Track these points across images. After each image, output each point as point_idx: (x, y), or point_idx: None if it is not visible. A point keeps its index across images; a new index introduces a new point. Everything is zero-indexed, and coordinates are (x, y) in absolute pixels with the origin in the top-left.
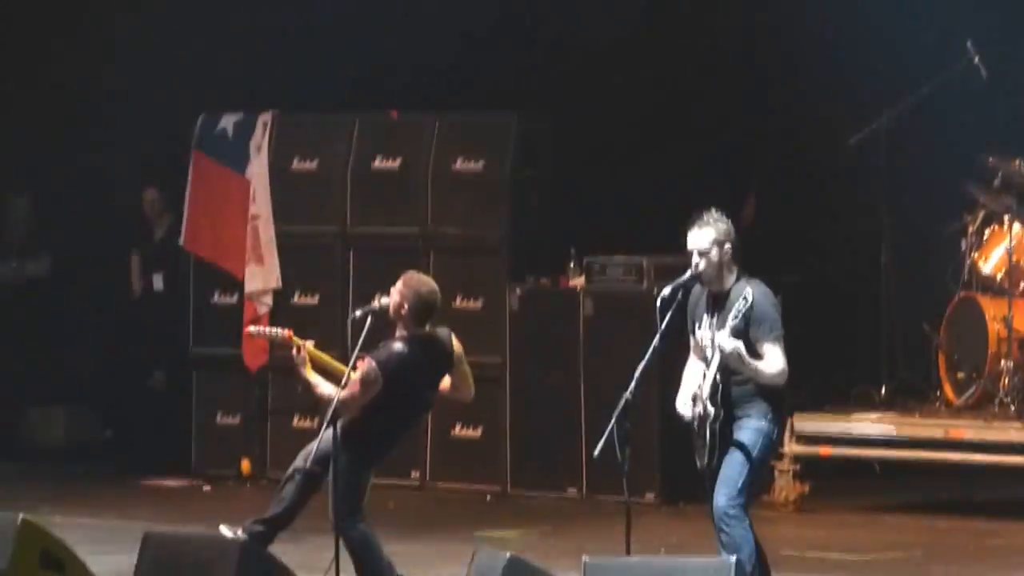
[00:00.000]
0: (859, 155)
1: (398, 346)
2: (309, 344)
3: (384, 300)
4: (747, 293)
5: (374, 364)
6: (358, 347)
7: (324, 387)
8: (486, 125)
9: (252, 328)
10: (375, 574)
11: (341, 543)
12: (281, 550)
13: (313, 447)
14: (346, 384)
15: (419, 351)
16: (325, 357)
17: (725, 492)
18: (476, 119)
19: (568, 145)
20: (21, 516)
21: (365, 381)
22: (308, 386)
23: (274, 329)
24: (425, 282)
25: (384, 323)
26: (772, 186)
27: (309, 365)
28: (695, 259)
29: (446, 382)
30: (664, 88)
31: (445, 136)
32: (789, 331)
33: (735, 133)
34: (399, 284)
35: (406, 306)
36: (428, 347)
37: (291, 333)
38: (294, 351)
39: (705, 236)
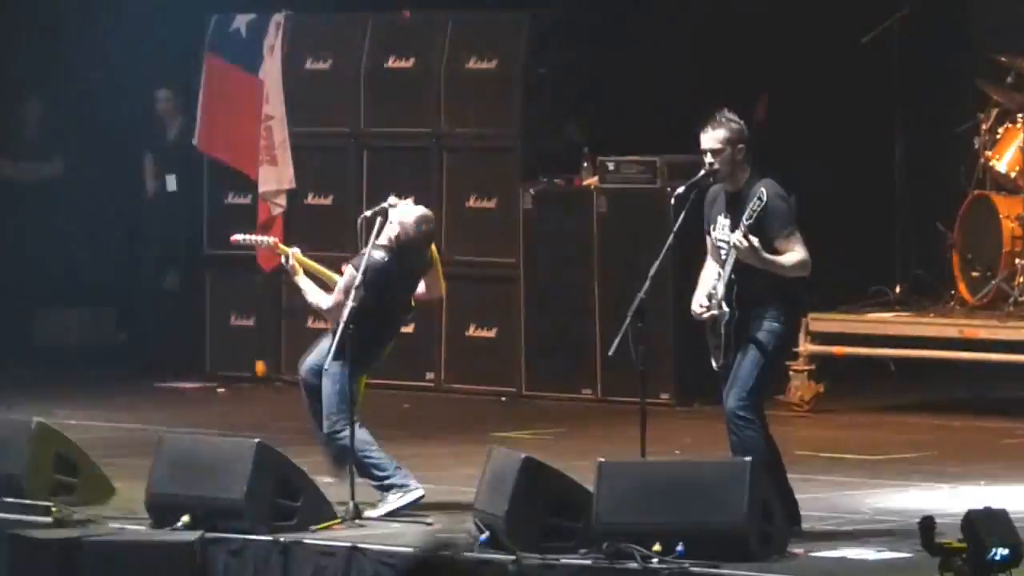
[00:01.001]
0: (872, 53)
1: (378, 255)
2: (296, 251)
3: (394, 199)
4: (761, 192)
5: (355, 272)
6: (369, 245)
7: (313, 294)
8: (499, 24)
9: (238, 236)
10: (376, 467)
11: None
12: (295, 452)
13: (309, 359)
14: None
15: (399, 259)
16: (312, 264)
17: (735, 393)
18: (489, 18)
19: (581, 43)
20: (36, 420)
21: (347, 289)
22: (300, 292)
23: (261, 236)
24: (428, 234)
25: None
26: (785, 85)
27: (301, 271)
28: (708, 159)
29: (420, 286)
30: None
31: (458, 35)
32: (802, 231)
33: (748, 31)
34: (413, 216)
35: (398, 237)
36: (407, 255)
37: (278, 241)
38: (282, 259)
39: (717, 136)
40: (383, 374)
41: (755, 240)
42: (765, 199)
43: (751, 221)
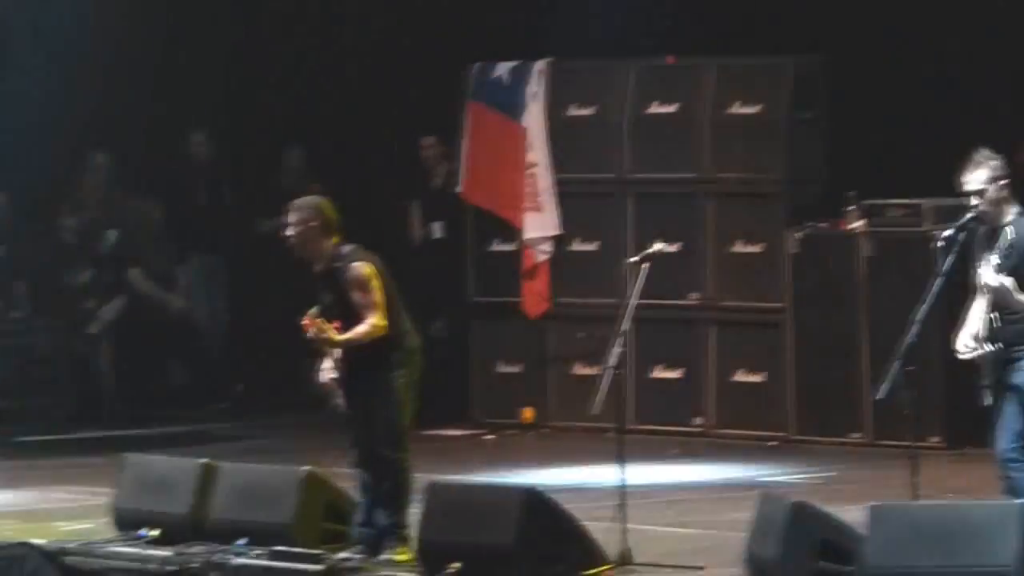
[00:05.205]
0: None
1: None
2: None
3: (659, 245)
4: (1009, 230)
5: (363, 266)
6: (636, 291)
7: (350, 333)
8: (763, 69)
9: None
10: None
11: None
12: (565, 499)
13: None
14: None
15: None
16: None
17: (1005, 436)
18: (753, 63)
19: (845, 87)
20: (305, 469)
21: (366, 283)
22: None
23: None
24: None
25: (660, 267)
26: None
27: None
28: (974, 200)
29: None
30: (939, 28)
31: (722, 80)
32: None
33: (1011, 73)
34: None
35: (316, 224)
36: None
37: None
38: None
39: (980, 176)
40: (651, 419)
41: (1007, 281)
42: (1012, 236)
43: (1002, 257)
